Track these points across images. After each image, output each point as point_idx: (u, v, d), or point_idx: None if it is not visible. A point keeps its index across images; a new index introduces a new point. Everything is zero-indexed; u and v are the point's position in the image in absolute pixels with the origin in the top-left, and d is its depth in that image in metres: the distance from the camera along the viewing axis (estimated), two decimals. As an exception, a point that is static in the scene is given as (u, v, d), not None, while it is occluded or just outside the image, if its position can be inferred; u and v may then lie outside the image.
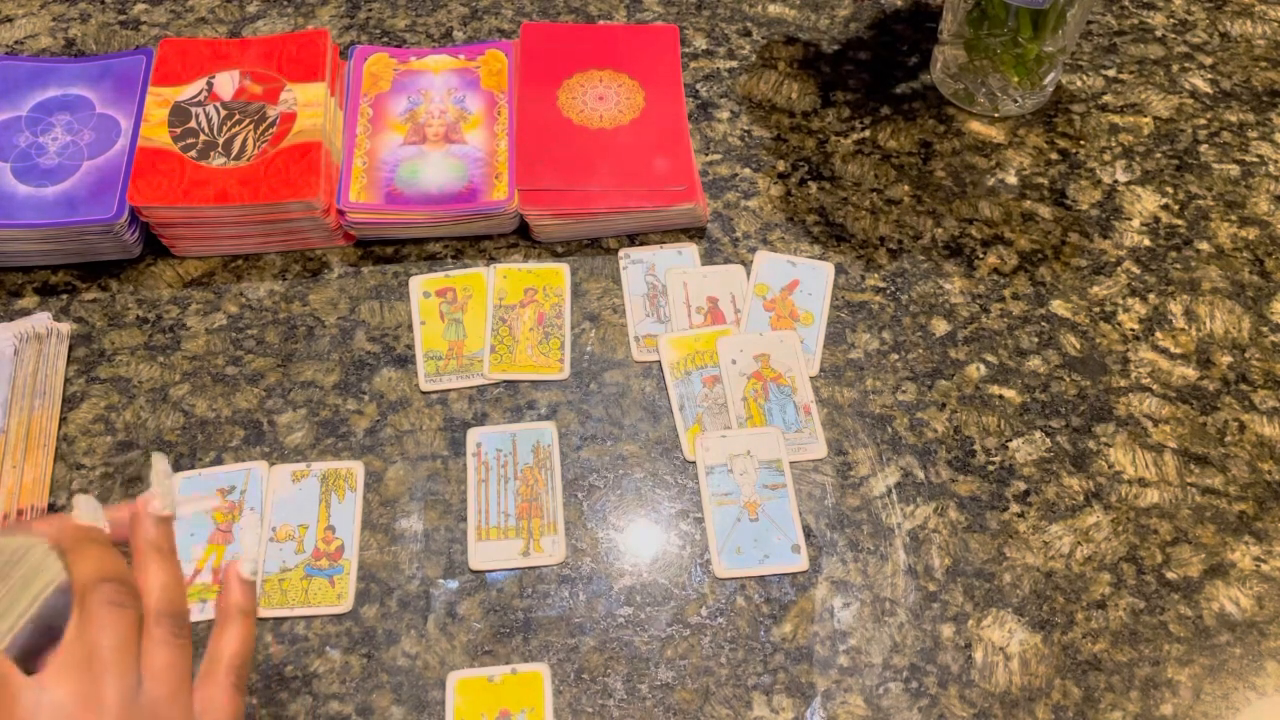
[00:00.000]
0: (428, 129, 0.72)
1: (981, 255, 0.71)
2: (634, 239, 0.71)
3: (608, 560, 0.59)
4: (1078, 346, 0.67)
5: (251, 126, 0.70)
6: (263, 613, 0.57)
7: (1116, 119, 0.77)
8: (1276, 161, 0.75)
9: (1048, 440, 0.63)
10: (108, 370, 0.66)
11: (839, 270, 0.70)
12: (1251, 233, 0.72)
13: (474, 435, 0.63)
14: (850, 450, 0.63)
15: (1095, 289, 0.69)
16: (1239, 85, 0.79)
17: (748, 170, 0.74)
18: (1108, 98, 0.78)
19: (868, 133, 0.76)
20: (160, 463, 0.46)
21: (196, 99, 0.71)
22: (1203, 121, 0.77)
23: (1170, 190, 0.74)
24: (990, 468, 0.62)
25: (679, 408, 0.64)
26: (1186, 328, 0.68)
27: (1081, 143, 0.76)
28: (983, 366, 0.66)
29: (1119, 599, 0.58)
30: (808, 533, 0.60)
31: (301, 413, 0.64)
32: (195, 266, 0.70)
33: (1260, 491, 0.62)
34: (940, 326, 0.68)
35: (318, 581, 0.58)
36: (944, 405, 0.65)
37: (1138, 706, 0.55)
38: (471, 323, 0.67)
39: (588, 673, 0.56)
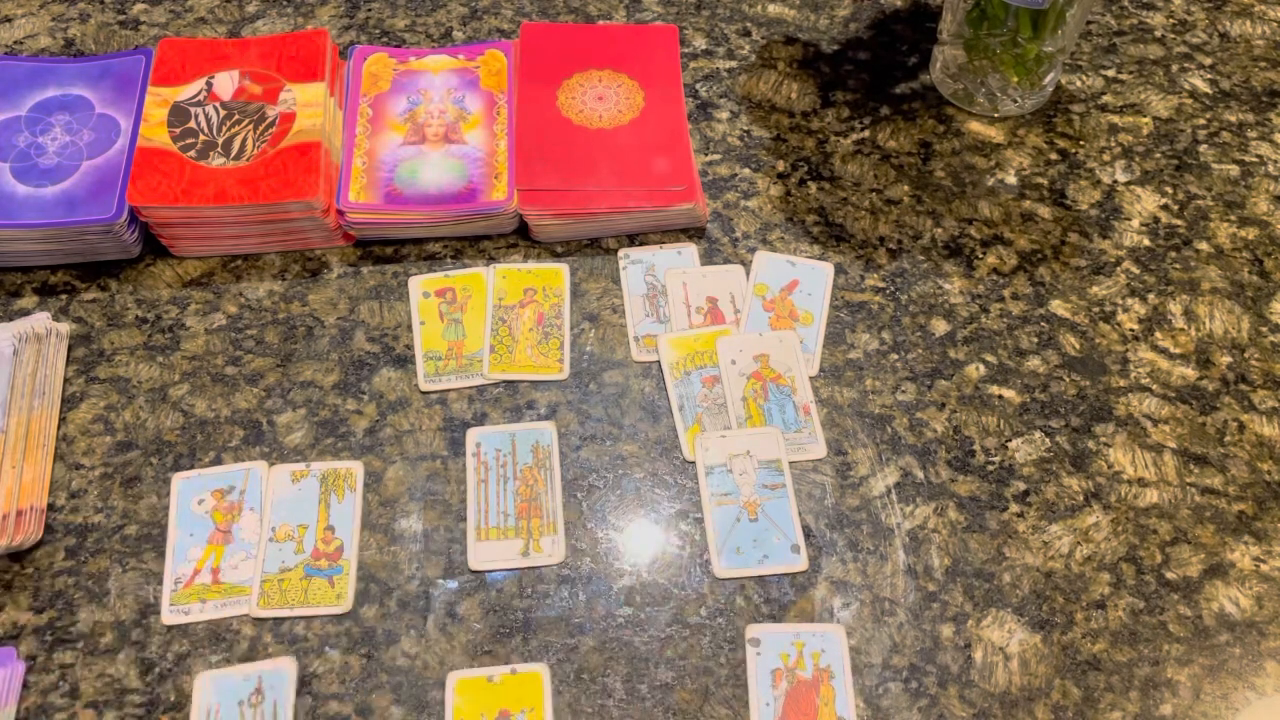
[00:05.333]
0: (427, 129, 0.72)
1: (981, 255, 0.71)
2: (633, 239, 0.71)
3: (607, 560, 0.59)
4: (1077, 346, 0.67)
5: (251, 126, 0.70)
6: (262, 613, 0.57)
7: (1116, 119, 0.77)
8: (1276, 161, 0.75)
9: (1047, 440, 0.63)
10: (107, 370, 0.66)
11: (838, 270, 0.70)
12: (1251, 233, 0.72)
13: (473, 435, 0.63)
14: (850, 450, 0.63)
15: (1095, 289, 0.69)
16: (1238, 85, 0.79)
17: (747, 170, 0.74)
18: (1107, 98, 0.78)
19: (867, 133, 0.76)
20: None
21: (196, 99, 0.71)
22: (1202, 121, 0.77)
23: (1170, 190, 0.74)
24: (990, 468, 0.62)
25: (678, 408, 0.64)
26: (1186, 328, 0.68)
27: (1081, 143, 0.76)
28: (982, 366, 0.66)
29: (1118, 599, 0.58)
30: (807, 533, 0.60)
31: (301, 413, 0.64)
32: (195, 266, 0.70)
33: (1260, 491, 0.62)
34: (940, 326, 0.68)
35: (317, 582, 0.58)
36: (943, 405, 0.65)
37: (1137, 706, 0.55)
38: (471, 323, 0.67)
39: (587, 673, 0.56)
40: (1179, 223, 0.72)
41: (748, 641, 0.56)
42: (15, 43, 0.80)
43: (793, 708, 0.55)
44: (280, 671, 0.55)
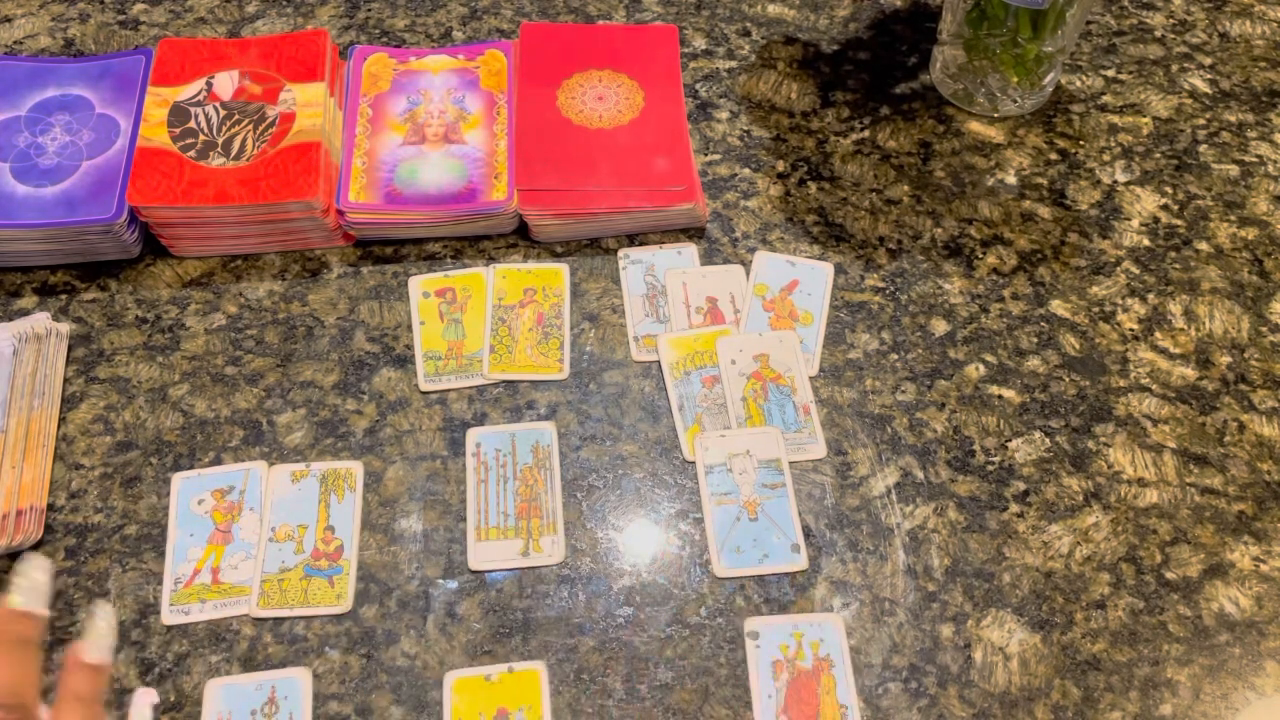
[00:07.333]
0: (427, 129, 0.72)
1: (981, 255, 0.71)
2: (633, 239, 0.71)
3: (607, 560, 0.59)
4: (1077, 346, 0.67)
5: (251, 126, 0.70)
6: (262, 613, 0.57)
7: (1116, 119, 0.77)
8: (1276, 161, 0.75)
9: (1047, 440, 0.63)
10: (107, 370, 0.66)
11: (838, 270, 0.70)
12: (1251, 233, 0.72)
13: (473, 435, 0.63)
14: (850, 450, 0.63)
15: (1094, 289, 0.69)
16: (1238, 85, 0.79)
17: (747, 170, 0.74)
18: (1107, 98, 0.78)
19: (867, 133, 0.76)
20: (102, 614, 0.47)
21: (196, 99, 0.71)
22: (1202, 121, 0.77)
23: (1169, 190, 0.74)
24: (990, 468, 0.62)
25: (678, 408, 0.64)
26: (1186, 328, 0.68)
27: (1081, 143, 0.76)
28: (982, 366, 0.66)
29: (1118, 599, 0.58)
30: (807, 532, 0.60)
31: (301, 413, 0.64)
32: (194, 266, 0.70)
33: (1259, 491, 0.62)
34: (939, 326, 0.68)
35: (317, 582, 0.58)
36: (943, 405, 0.65)
37: (1137, 706, 0.55)
38: (471, 323, 0.67)
39: (587, 673, 0.56)
40: (1179, 223, 0.72)
41: (746, 635, 0.56)
42: (15, 43, 0.80)
43: (794, 698, 0.55)
44: (294, 681, 0.55)
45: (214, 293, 0.69)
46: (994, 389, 0.65)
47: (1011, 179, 0.74)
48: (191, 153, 0.68)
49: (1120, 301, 0.69)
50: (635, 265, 0.70)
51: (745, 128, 0.76)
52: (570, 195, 0.69)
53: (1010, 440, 0.63)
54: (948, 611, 0.58)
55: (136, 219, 0.68)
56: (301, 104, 0.70)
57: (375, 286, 0.69)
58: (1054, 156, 0.75)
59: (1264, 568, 0.59)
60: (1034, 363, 0.66)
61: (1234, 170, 0.75)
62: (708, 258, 0.70)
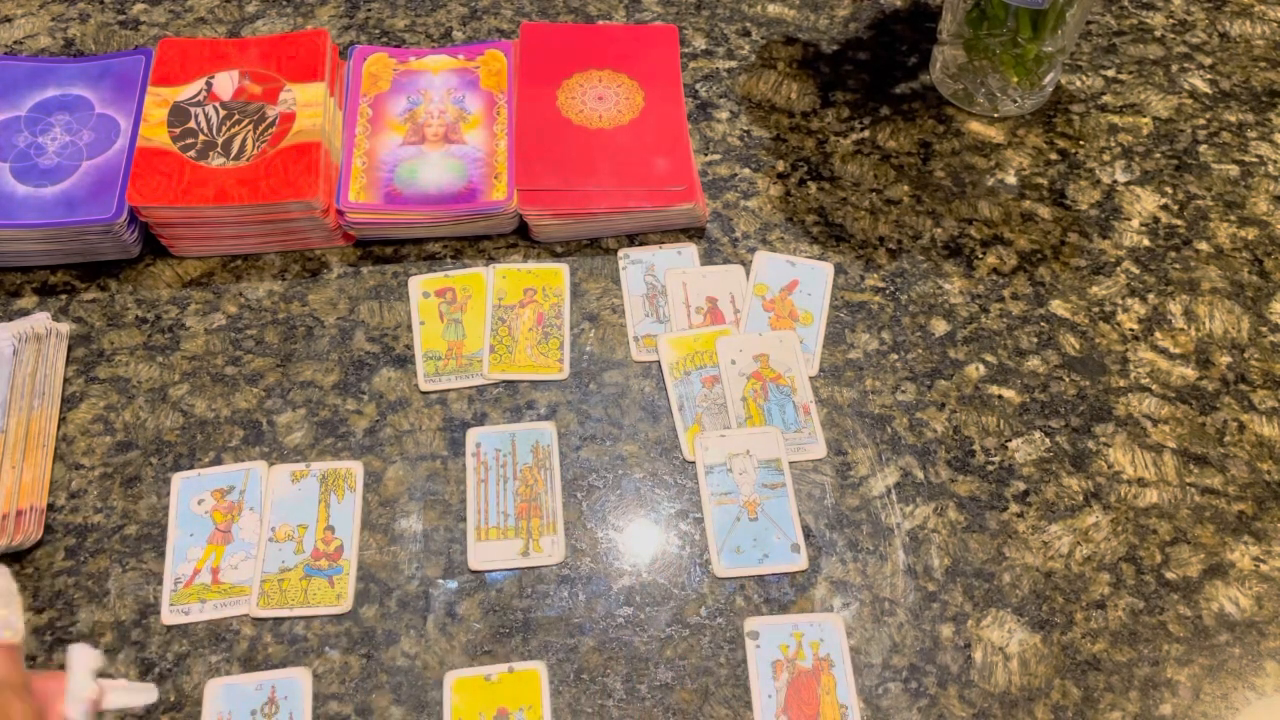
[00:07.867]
0: (427, 129, 0.72)
1: (981, 255, 0.71)
2: (633, 239, 0.71)
3: (607, 560, 0.59)
4: (1077, 346, 0.67)
5: (251, 126, 0.70)
6: (262, 613, 0.57)
7: (1116, 119, 0.77)
8: (1276, 161, 0.75)
9: (1047, 440, 0.63)
10: (107, 370, 0.66)
11: (838, 270, 0.70)
12: (1251, 233, 0.72)
13: (473, 435, 0.63)
14: (849, 450, 0.63)
15: (1094, 289, 0.69)
16: (1238, 85, 0.79)
17: (747, 170, 0.74)
18: (1107, 98, 0.78)
19: (867, 133, 0.76)
20: (3, 579, 0.44)
21: (196, 99, 0.71)
22: (1202, 122, 0.77)
23: (1169, 190, 0.74)
24: (990, 468, 0.62)
25: (678, 408, 0.64)
26: (1186, 328, 0.68)
27: (1081, 143, 0.76)
28: (982, 366, 0.66)
29: (1118, 599, 0.58)
30: (807, 532, 0.60)
31: (301, 413, 0.64)
32: (194, 266, 0.70)
33: (1259, 491, 0.62)
34: (939, 326, 0.68)
35: (317, 582, 0.58)
36: (943, 405, 0.65)
37: (1137, 706, 0.55)
38: (471, 323, 0.67)
39: (587, 673, 0.56)
40: (1179, 223, 0.72)
41: (746, 635, 0.56)
42: (15, 43, 0.80)
43: (794, 698, 0.55)
44: (294, 681, 0.55)
45: (214, 293, 0.69)
46: (994, 389, 0.65)
47: (1011, 179, 0.74)
48: (191, 153, 0.68)
49: (1120, 301, 0.69)
50: (635, 265, 0.70)
51: (745, 128, 0.76)
52: (570, 195, 0.69)
53: (1010, 440, 0.63)
54: (948, 611, 0.58)
55: (136, 219, 0.68)
56: (301, 104, 0.70)
57: (375, 286, 0.69)
58: (1054, 156, 0.75)
59: (1264, 568, 0.59)
60: (1034, 363, 0.66)
61: (1234, 170, 0.75)
62: (708, 258, 0.70)
